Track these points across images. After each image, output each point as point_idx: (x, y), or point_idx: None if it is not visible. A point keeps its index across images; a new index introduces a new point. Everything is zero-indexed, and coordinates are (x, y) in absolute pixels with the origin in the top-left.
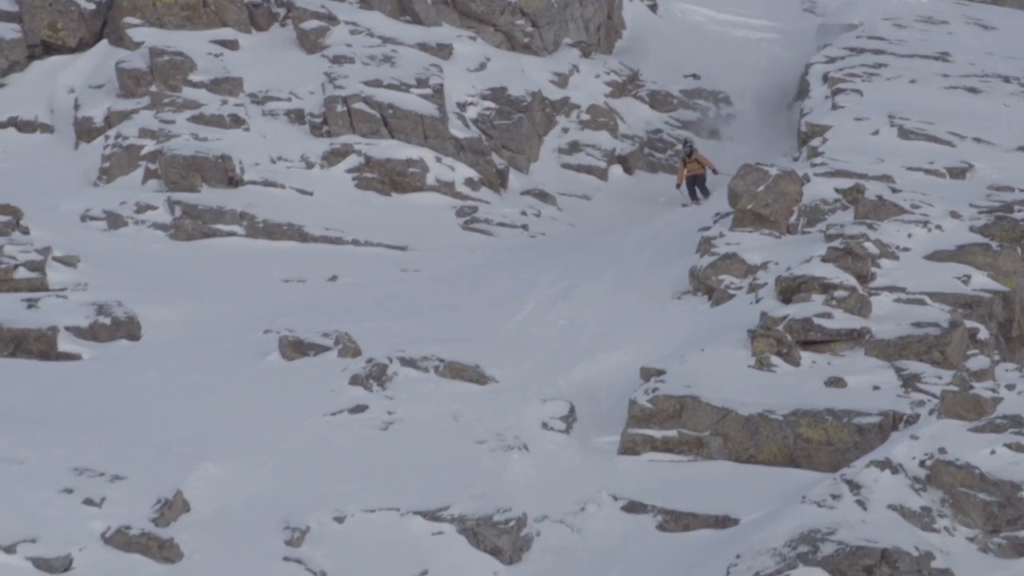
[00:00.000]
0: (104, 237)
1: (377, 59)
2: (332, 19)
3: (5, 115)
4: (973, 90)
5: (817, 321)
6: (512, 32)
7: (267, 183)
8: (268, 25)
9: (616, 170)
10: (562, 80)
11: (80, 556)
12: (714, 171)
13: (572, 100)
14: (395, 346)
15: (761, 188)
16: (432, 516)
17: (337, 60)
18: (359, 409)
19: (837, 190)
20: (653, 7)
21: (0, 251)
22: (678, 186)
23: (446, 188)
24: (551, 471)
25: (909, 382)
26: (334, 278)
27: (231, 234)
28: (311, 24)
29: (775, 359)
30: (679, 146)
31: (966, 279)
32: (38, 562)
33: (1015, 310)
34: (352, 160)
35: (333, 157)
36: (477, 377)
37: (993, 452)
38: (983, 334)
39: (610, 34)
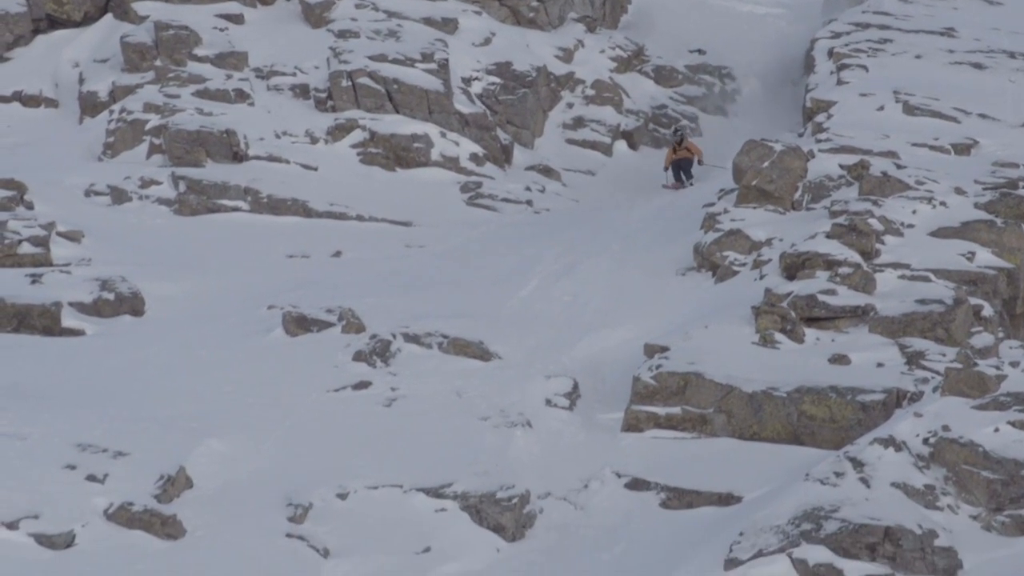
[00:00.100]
0: (108, 212)
1: (382, 33)
2: None
3: (9, 89)
4: (979, 66)
5: (821, 298)
6: (517, 6)
7: (271, 158)
8: None
9: (621, 146)
10: (567, 55)
11: (83, 532)
12: (700, 161)
13: (577, 75)
14: (399, 322)
15: (766, 164)
16: (435, 493)
17: (342, 34)
18: (362, 385)
19: (842, 166)
20: None
21: (4, 226)
22: (665, 169)
23: (451, 163)
24: (554, 448)
25: (913, 359)
26: (338, 254)
27: (235, 209)
28: None
29: (779, 336)
30: (681, 123)
31: (970, 256)
32: (40, 538)
33: (1020, 287)
34: (357, 135)
35: (338, 132)
36: (481, 353)
37: (997, 430)
38: (987, 311)
39: (615, 9)
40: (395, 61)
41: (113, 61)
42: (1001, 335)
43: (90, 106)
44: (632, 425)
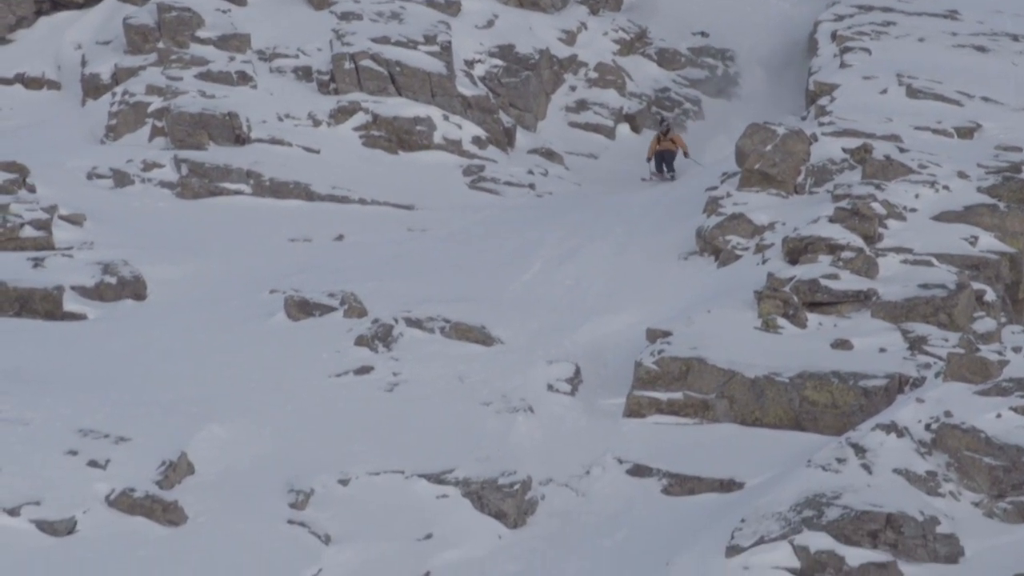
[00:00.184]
0: (110, 195)
1: (385, 16)
2: None
3: (12, 71)
4: (981, 49)
5: (824, 282)
6: None
7: (274, 141)
8: None
9: (624, 129)
10: (570, 38)
11: (84, 519)
12: (685, 154)
13: (580, 58)
14: (401, 306)
15: (768, 147)
16: (437, 479)
17: (345, 17)
18: (364, 370)
19: (845, 150)
20: None
21: (6, 209)
22: (648, 159)
23: (453, 146)
24: (556, 433)
25: (915, 344)
26: (340, 237)
27: (238, 192)
28: None
29: (781, 321)
30: (684, 106)
31: (973, 240)
32: (42, 524)
33: (1022, 272)
34: (359, 118)
35: (340, 115)
36: (483, 338)
37: (999, 416)
38: (990, 296)
39: None
40: (398, 43)
41: (116, 43)
42: (1004, 320)
43: (92, 88)
44: (634, 411)
